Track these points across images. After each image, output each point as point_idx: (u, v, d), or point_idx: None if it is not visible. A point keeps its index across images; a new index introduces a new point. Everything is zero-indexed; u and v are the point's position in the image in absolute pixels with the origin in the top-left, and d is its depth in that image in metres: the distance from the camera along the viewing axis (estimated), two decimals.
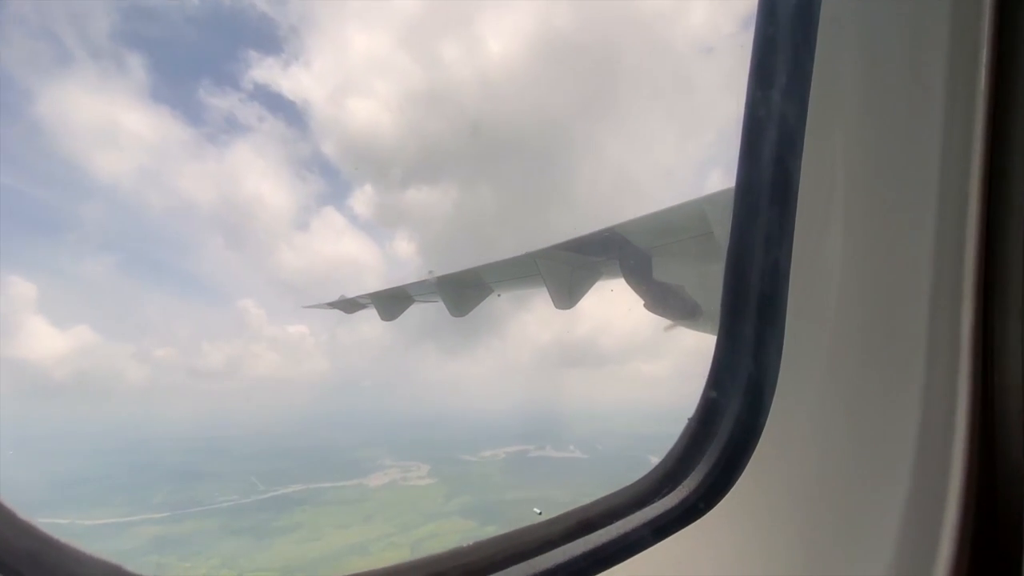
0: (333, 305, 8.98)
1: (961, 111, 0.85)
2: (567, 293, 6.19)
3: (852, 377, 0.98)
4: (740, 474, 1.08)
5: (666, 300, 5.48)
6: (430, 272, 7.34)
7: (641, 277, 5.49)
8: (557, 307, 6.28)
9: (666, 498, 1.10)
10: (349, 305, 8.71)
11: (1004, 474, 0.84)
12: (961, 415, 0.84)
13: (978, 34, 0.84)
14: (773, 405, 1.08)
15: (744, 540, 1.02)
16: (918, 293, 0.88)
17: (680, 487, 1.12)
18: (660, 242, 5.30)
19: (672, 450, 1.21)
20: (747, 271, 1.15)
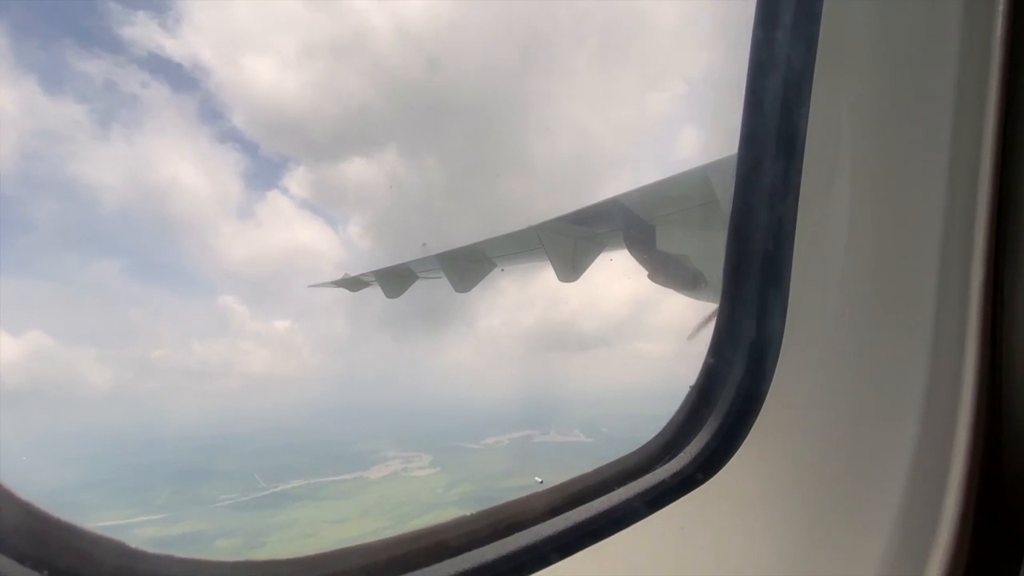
0: (338, 283, 9.00)
1: (976, 61, 0.81)
2: (570, 266, 6.17)
3: (858, 346, 0.96)
4: (741, 444, 1.08)
5: (670, 270, 5.45)
6: (423, 245, 7.32)
7: (645, 248, 5.45)
8: (560, 280, 6.28)
9: (666, 466, 1.11)
10: (353, 283, 8.73)
11: (1010, 447, 0.83)
12: (968, 389, 0.82)
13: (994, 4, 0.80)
14: (776, 374, 1.06)
15: (743, 510, 1.02)
16: (928, 259, 0.86)
17: (680, 455, 1.12)
18: (664, 212, 5.24)
19: (673, 418, 1.21)
20: (751, 235, 1.13)
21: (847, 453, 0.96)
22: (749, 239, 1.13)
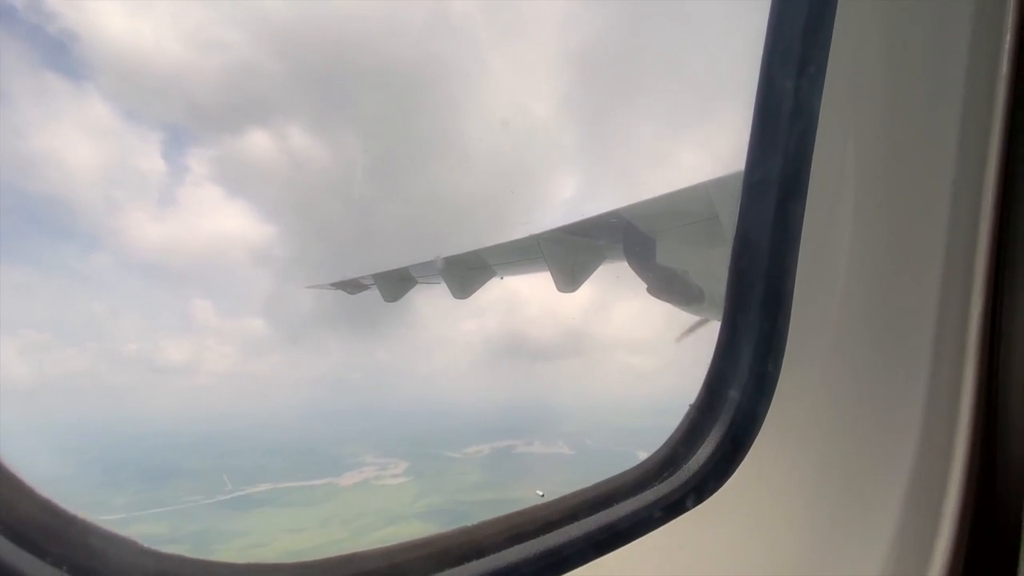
0: (336, 286, 8.99)
1: (980, 104, 0.83)
2: (570, 276, 6.21)
3: (856, 369, 0.98)
4: (740, 462, 1.09)
5: (670, 285, 5.48)
6: (436, 257, 7.35)
7: (645, 261, 5.49)
8: (560, 290, 6.30)
9: (666, 483, 1.12)
10: (352, 286, 8.72)
11: (1005, 470, 0.85)
12: (965, 409, 0.84)
13: (1001, 28, 0.82)
14: (776, 393, 1.08)
15: (743, 528, 1.03)
16: (928, 287, 0.88)
17: (680, 472, 1.13)
18: (665, 226, 5.29)
19: (673, 435, 1.22)
20: (754, 257, 1.14)
21: (844, 475, 0.98)
22: (753, 258, 1.14)
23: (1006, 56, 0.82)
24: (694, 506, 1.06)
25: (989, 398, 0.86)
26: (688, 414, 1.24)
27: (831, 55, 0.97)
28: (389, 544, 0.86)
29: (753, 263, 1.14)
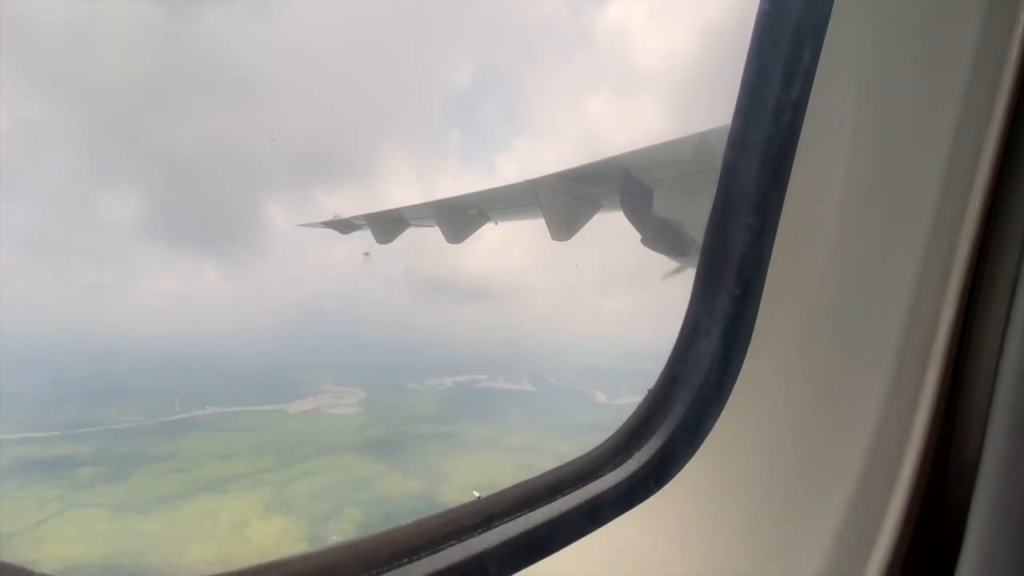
0: (328, 225, 8.92)
1: (978, 107, 0.79)
2: (564, 224, 6.12)
3: (819, 365, 0.97)
4: (693, 454, 1.09)
5: (664, 236, 5.40)
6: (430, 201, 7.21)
7: (641, 211, 5.37)
8: (553, 238, 6.23)
9: (614, 473, 1.11)
10: (344, 226, 8.66)
11: (956, 473, 0.85)
12: (922, 417, 0.84)
13: (1008, 38, 0.77)
14: (735, 387, 1.07)
15: (691, 523, 1.03)
16: (901, 291, 0.86)
17: (628, 463, 1.12)
18: (664, 175, 5.14)
19: (626, 423, 1.20)
20: (728, 244, 1.11)
21: (796, 470, 0.97)
22: (727, 245, 1.11)
23: (1011, 63, 0.77)
24: (642, 501, 1.06)
25: (948, 408, 0.85)
26: (645, 400, 1.22)
27: (827, 35, 0.93)
28: (321, 548, 0.85)
29: (726, 251, 1.11)
